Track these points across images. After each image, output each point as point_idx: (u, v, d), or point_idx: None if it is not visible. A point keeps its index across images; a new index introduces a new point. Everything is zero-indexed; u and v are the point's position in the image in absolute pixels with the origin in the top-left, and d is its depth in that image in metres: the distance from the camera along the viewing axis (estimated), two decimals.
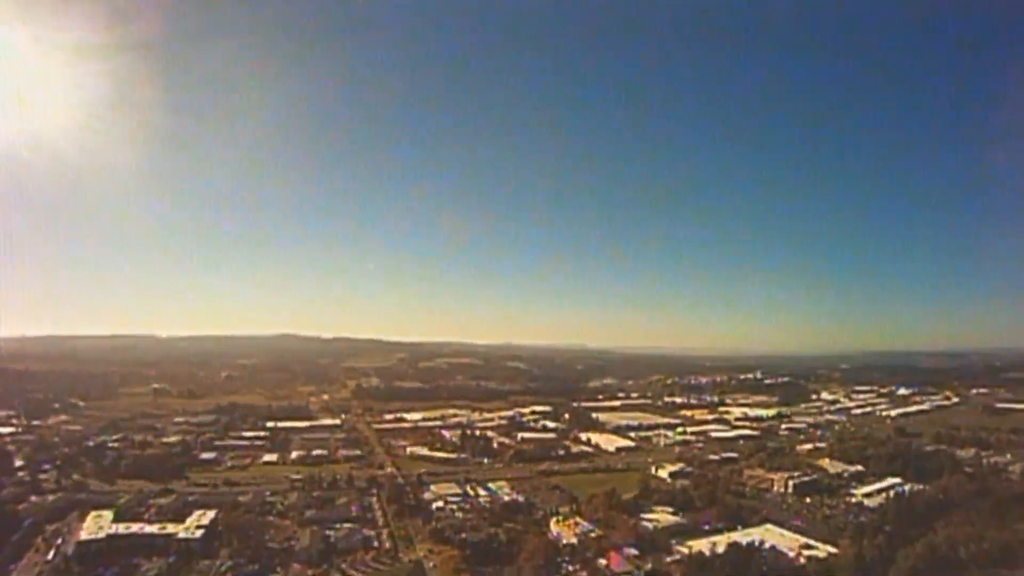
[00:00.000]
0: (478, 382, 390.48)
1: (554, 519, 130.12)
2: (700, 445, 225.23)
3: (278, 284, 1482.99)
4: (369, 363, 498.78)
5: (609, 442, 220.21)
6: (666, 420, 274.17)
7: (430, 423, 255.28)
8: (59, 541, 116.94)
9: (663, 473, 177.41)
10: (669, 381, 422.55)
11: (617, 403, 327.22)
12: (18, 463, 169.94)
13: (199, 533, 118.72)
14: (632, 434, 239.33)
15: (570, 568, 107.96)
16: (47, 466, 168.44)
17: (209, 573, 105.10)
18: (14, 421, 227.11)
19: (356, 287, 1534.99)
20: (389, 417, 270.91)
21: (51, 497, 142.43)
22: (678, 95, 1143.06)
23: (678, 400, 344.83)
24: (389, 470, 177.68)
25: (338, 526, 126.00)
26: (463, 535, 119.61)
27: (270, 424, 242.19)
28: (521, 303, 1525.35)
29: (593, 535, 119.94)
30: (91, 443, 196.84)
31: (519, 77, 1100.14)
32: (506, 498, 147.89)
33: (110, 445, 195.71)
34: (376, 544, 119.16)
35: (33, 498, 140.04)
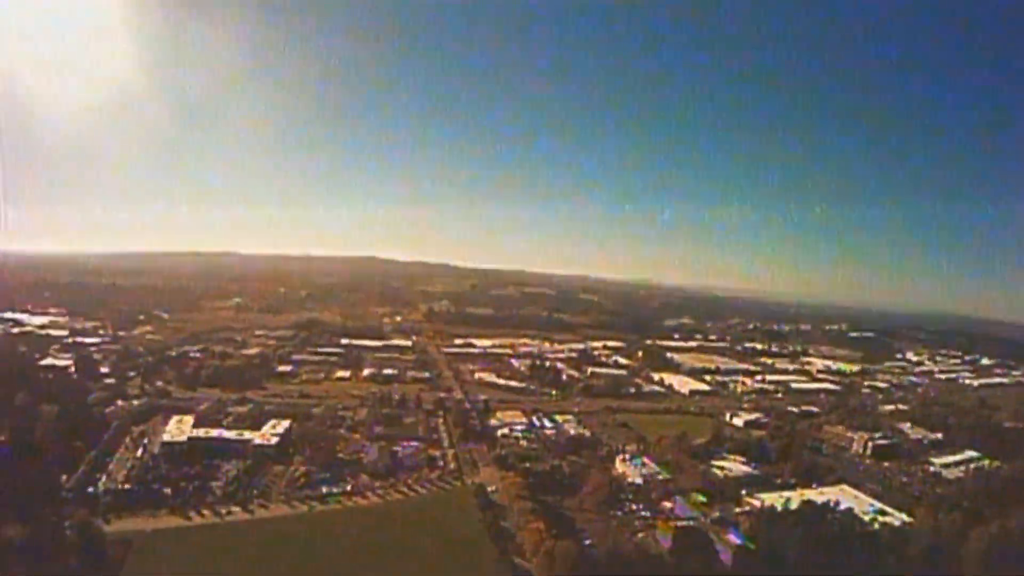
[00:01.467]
0: (550, 313, 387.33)
1: (620, 457, 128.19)
2: (779, 395, 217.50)
3: (362, 207, 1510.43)
4: (442, 288, 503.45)
5: (683, 384, 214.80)
6: (744, 366, 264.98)
7: (499, 351, 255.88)
8: (145, 441, 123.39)
9: (738, 421, 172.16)
10: (750, 326, 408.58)
11: (693, 344, 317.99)
12: (104, 370, 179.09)
13: (274, 440, 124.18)
14: (707, 377, 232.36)
15: (633, 508, 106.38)
16: (132, 373, 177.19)
17: (284, 476, 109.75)
18: (101, 331, 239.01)
19: (435, 212, 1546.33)
20: (459, 342, 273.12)
21: (136, 402, 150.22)
22: None
23: (758, 347, 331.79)
24: (456, 394, 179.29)
25: (405, 444, 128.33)
26: (526, 464, 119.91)
27: (344, 341, 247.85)
28: (598, 235, 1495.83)
29: (660, 477, 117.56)
30: (173, 353, 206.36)
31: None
32: (572, 431, 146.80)
33: (192, 355, 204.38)
34: (441, 464, 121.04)
35: (119, 402, 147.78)
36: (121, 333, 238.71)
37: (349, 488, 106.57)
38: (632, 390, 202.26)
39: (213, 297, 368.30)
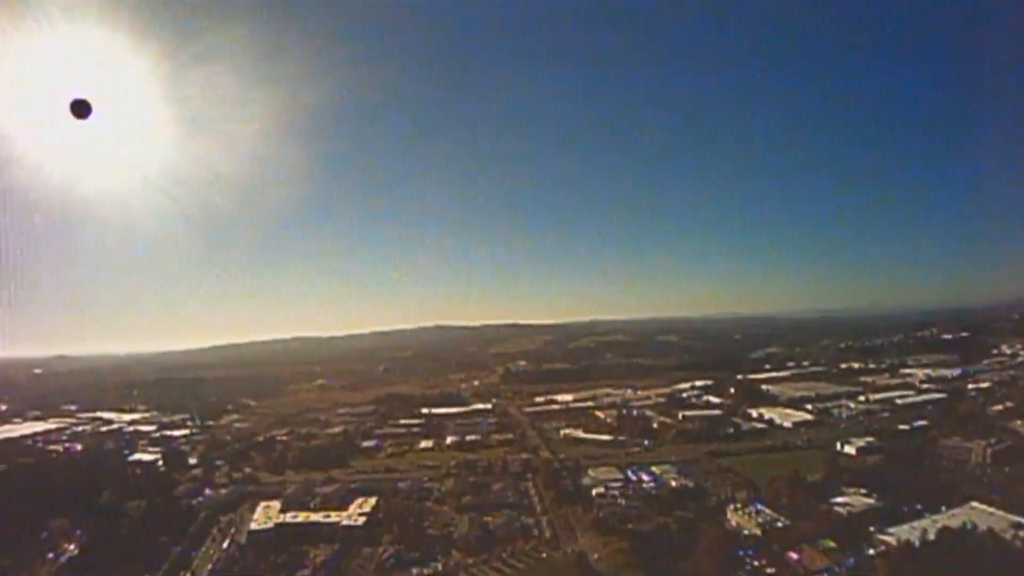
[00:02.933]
0: (630, 359, 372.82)
1: (731, 506, 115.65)
2: (886, 414, 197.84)
3: (425, 279, 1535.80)
4: (516, 347, 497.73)
5: (784, 416, 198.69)
6: (845, 388, 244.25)
7: (582, 404, 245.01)
8: (232, 531, 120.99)
9: (850, 449, 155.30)
10: (842, 345, 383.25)
11: (787, 373, 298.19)
12: (192, 461, 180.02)
13: (361, 520, 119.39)
14: (809, 406, 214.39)
15: (755, 563, 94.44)
16: (219, 462, 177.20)
17: (372, 560, 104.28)
18: (188, 423, 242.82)
19: (498, 275, 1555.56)
20: (539, 399, 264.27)
21: (223, 490, 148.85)
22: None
23: (855, 365, 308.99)
24: (544, 454, 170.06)
25: (495, 513, 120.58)
26: (629, 525, 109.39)
27: (425, 411, 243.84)
28: (669, 274, 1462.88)
29: (779, 524, 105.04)
30: (260, 438, 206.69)
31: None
32: (673, 483, 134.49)
33: (278, 439, 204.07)
34: (536, 532, 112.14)
35: (207, 491, 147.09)
36: (209, 423, 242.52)
37: (441, 567, 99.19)
38: (731, 430, 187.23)
39: (297, 380, 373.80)
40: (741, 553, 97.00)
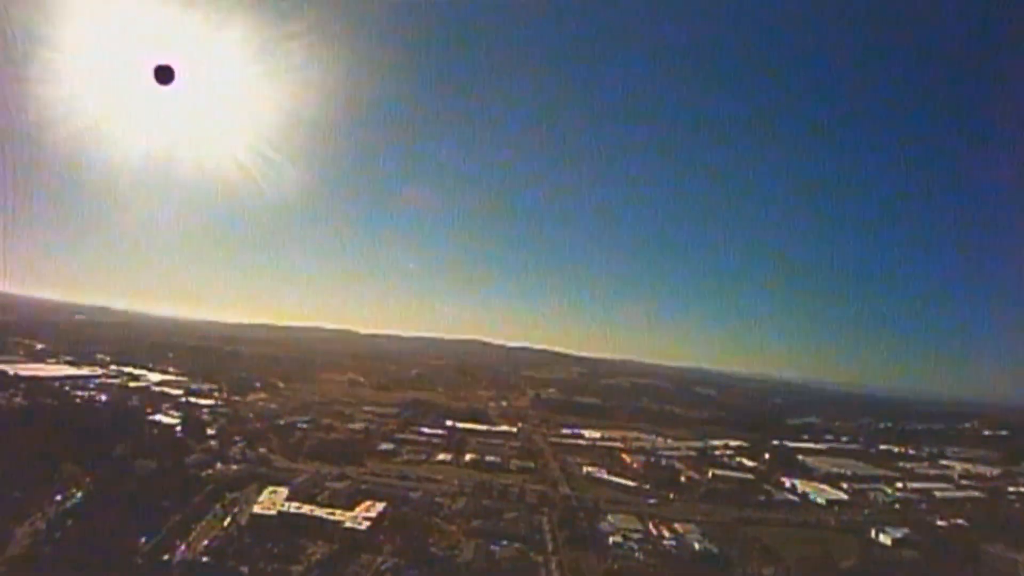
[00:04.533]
0: (663, 406, 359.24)
1: None
2: (923, 505, 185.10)
3: (471, 291, 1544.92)
4: (548, 374, 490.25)
5: (818, 492, 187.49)
6: (882, 471, 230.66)
7: (609, 443, 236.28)
8: (236, 510, 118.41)
9: (885, 539, 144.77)
10: (881, 426, 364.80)
11: (824, 446, 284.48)
12: (210, 432, 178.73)
13: (365, 524, 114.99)
14: (844, 485, 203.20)
15: None
16: (237, 438, 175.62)
17: (369, 568, 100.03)
18: (215, 394, 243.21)
19: (540, 299, 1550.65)
20: (566, 431, 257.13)
21: (235, 467, 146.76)
22: None
23: (894, 449, 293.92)
24: (563, 489, 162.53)
25: (504, 543, 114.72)
26: None
27: (448, 423, 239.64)
28: (711, 325, 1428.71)
29: None
30: (281, 422, 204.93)
31: None
32: (696, 545, 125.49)
33: (299, 425, 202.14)
34: (543, 573, 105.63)
35: (218, 465, 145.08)
36: (235, 398, 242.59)
37: None
38: (762, 498, 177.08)
39: (328, 370, 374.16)
40: None
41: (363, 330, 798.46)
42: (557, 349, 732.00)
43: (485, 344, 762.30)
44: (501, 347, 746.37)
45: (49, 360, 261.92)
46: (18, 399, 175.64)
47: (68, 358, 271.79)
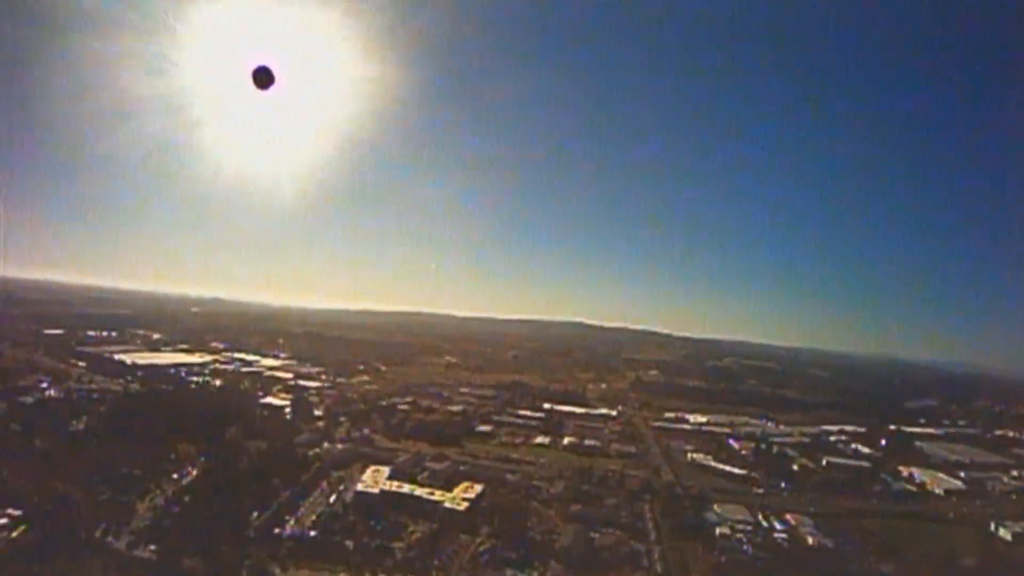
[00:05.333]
0: (774, 389, 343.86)
1: None
2: None
3: (571, 273, 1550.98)
4: (650, 356, 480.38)
5: (936, 482, 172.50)
6: (999, 459, 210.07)
7: (716, 428, 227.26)
8: (341, 488, 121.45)
9: (1005, 533, 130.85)
10: (997, 409, 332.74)
11: (940, 431, 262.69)
12: (318, 413, 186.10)
13: (463, 505, 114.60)
14: (962, 474, 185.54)
15: None
16: (342, 418, 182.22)
17: (468, 549, 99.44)
18: (322, 377, 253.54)
19: (641, 278, 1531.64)
20: (669, 415, 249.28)
21: (340, 446, 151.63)
22: None
23: (1010, 434, 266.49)
24: (666, 476, 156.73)
25: (604, 530, 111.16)
26: None
27: (547, 406, 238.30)
28: (827, 305, 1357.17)
29: None
30: (384, 403, 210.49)
31: None
32: (809, 539, 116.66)
33: (400, 407, 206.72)
34: (645, 563, 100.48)
35: (326, 444, 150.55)
36: (340, 380, 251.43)
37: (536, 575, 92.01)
38: (878, 488, 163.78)
39: (428, 353, 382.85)
40: None
41: (460, 313, 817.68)
42: (659, 330, 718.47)
43: (583, 325, 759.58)
44: (599, 328, 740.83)
45: (165, 349, 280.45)
46: (135, 385, 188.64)
47: (183, 346, 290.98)
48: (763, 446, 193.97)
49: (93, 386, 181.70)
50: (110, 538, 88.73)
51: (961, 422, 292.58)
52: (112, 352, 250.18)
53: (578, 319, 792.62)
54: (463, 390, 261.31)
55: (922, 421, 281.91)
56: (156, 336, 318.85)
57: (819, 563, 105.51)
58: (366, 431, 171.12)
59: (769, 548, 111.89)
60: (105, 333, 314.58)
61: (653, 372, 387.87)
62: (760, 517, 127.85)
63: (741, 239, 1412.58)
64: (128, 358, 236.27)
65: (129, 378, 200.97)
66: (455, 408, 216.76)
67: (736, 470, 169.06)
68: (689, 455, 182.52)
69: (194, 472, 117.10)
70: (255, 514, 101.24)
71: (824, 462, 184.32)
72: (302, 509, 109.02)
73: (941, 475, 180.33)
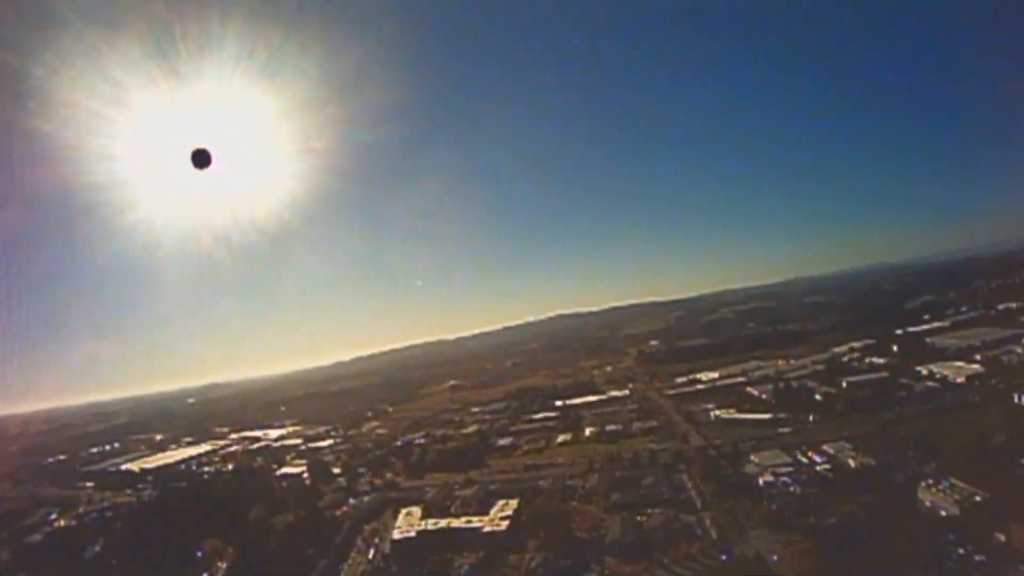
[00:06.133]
0: (776, 327, 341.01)
1: (920, 484, 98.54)
2: None
3: (547, 268, 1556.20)
4: (647, 327, 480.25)
5: (955, 371, 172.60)
6: (1009, 331, 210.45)
7: (731, 380, 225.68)
8: (377, 540, 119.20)
9: None
10: (994, 285, 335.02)
11: (946, 322, 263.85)
12: (336, 471, 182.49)
13: (504, 525, 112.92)
14: (978, 356, 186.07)
15: (960, 550, 78.07)
16: (362, 469, 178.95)
17: (519, 568, 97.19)
18: (332, 434, 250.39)
19: (616, 254, 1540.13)
20: (680, 380, 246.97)
21: (366, 498, 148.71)
22: None
23: (1012, 305, 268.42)
24: (695, 441, 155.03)
25: (649, 511, 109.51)
26: (811, 518, 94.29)
27: (559, 403, 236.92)
28: (804, 231, 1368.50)
29: (977, 499, 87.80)
30: (399, 443, 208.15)
31: None
32: (851, 462, 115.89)
33: (416, 442, 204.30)
34: (699, 532, 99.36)
35: (351, 501, 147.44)
36: (351, 432, 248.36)
37: None
38: (902, 393, 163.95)
39: (429, 383, 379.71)
40: (944, 540, 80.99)
41: (451, 336, 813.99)
42: (648, 300, 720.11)
43: (573, 316, 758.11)
44: (588, 314, 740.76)
45: (171, 447, 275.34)
46: (147, 491, 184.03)
47: (188, 439, 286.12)
48: (781, 385, 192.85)
49: (104, 504, 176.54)
50: None
51: (963, 308, 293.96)
52: (118, 464, 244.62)
53: (567, 311, 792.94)
54: (474, 409, 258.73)
55: (926, 317, 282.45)
56: (159, 437, 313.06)
57: (867, 482, 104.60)
58: (388, 476, 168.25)
59: (816, 483, 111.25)
60: (108, 447, 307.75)
61: (653, 342, 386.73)
62: (798, 455, 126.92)
63: (702, 186, 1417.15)
64: (135, 466, 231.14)
65: (140, 485, 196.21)
66: (469, 430, 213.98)
67: (762, 416, 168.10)
68: (712, 413, 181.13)
69: (224, 566, 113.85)
70: None
71: (844, 384, 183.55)
72: (343, 573, 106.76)
73: (958, 363, 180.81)
